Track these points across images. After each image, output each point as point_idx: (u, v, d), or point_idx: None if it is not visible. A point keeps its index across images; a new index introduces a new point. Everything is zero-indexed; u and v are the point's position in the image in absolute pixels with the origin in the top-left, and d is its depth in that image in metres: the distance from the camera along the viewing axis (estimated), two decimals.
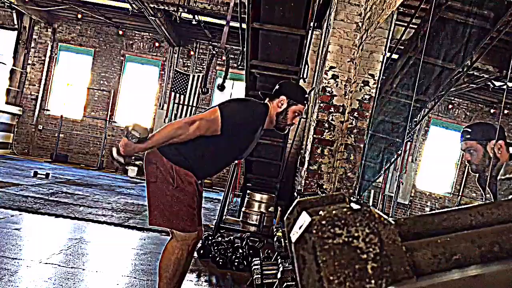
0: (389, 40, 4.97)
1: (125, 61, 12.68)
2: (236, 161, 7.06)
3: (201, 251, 4.21)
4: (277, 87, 2.48)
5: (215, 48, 11.86)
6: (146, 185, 2.31)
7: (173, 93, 11.93)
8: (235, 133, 2.27)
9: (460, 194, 12.37)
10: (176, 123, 2.19)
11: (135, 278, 3.29)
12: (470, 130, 2.29)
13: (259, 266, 2.46)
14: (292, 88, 2.50)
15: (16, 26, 12.40)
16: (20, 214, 4.75)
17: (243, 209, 5.79)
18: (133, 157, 2.21)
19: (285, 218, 0.73)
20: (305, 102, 2.46)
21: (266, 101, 2.47)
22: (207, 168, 2.38)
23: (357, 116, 4.73)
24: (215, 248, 4.12)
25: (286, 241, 0.79)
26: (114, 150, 2.15)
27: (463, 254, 0.60)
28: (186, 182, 2.24)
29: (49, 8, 11.56)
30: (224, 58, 12.37)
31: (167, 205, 2.23)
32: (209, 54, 12.39)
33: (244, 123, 2.29)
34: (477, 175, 2.41)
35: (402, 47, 6.83)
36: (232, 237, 4.36)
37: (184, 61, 12.56)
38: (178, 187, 2.22)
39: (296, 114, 2.43)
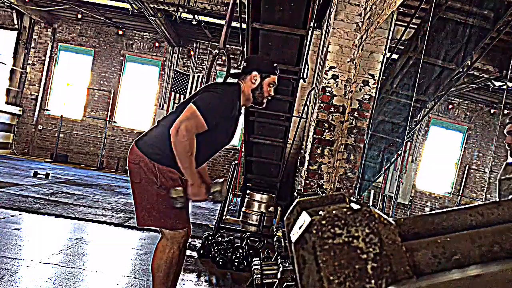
0: (389, 40, 4.97)
1: (125, 61, 12.68)
2: (237, 157, 7.06)
3: (201, 251, 4.21)
4: (244, 64, 2.46)
5: (215, 49, 11.86)
6: (130, 186, 2.29)
7: (173, 93, 11.93)
8: (218, 123, 2.25)
9: (460, 194, 12.37)
10: (173, 143, 2.13)
11: (135, 278, 3.29)
12: None
13: (259, 266, 2.46)
14: (261, 61, 2.49)
15: (16, 26, 12.40)
16: (20, 214, 4.75)
17: (243, 209, 5.79)
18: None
19: (285, 218, 0.73)
20: (276, 71, 2.45)
21: (237, 81, 2.46)
22: (198, 159, 2.36)
23: (357, 116, 4.73)
24: (215, 248, 4.12)
25: (286, 241, 0.79)
26: (180, 191, 2.24)
27: (463, 254, 0.60)
28: (170, 179, 2.23)
29: (49, 8, 11.56)
30: (224, 58, 12.38)
31: (153, 204, 2.23)
32: (209, 54, 12.39)
33: (223, 110, 2.27)
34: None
35: (402, 47, 6.83)
36: (232, 237, 4.36)
37: (184, 61, 12.56)
38: (162, 185, 2.21)
39: (271, 85, 2.44)
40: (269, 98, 2.48)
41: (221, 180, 2.38)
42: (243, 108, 2.53)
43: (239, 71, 2.48)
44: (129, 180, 2.31)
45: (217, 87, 2.41)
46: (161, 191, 2.22)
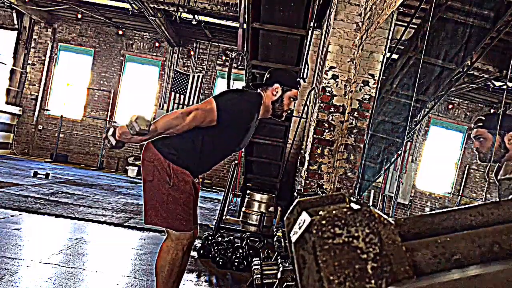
0: (389, 40, 4.97)
1: (125, 61, 12.68)
2: (237, 157, 7.06)
3: (201, 251, 4.21)
4: (267, 75, 2.48)
5: (233, 52, 11.87)
6: (142, 183, 2.30)
7: (173, 93, 11.93)
8: (231, 124, 2.27)
9: (460, 194, 12.37)
10: (172, 113, 2.17)
11: (135, 278, 3.29)
12: (483, 118, 2.31)
13: (259, 266, 2.46)
14: (283, 74, 2.51)
15: (16, 26, 12.40)
16: (20, 214, 4.75)
17: (243, 209, 5.79)
18: (124, 144, 2.19)
19: (285, 218, 0.73)
20: (298, 86, 2.49)
21: (259, 91, 2.47)
22: (205, 164, 2.38)
23: (357, 116, 4.73)
24: (215, 248, 4.12)
25: (286, 241, 0.79)
26: (111, 130, 2.13)
27: (463, 254, 0.60)
28: (182, 181, 2.24)
29: (49, 8, 11.56)
30: (224, 58, 12.38)
31: (163, 204, 2.23)
32: (209, 54, 12.38)
33: (239, 113, 2.29)
34: (495, 168, 2.41)
35: (402, 47, 6.83)
36: (232, 237, 4.36)
37: (184, 61, 12.56)
38: (174, 185, 2.22)
39: (291, 99, 2.46)
40: (288, 112, 2.50)
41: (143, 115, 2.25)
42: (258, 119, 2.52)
43: (261, 82, 2.50)
44: (142, 178, 2.31)
45: (241, 92, 2.44)
46: (172, 191, 2.22)
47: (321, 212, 0.63)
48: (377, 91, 4.94)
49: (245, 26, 4.97)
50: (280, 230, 2.64)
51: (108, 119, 12.42)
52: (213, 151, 2.33)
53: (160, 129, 2.13)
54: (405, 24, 6.61)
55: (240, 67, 9.72)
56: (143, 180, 2.30)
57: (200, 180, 2.60)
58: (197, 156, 2.29)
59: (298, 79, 2.53)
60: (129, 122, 2.06)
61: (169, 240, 2.28)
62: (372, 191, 10.86)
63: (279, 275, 2.07)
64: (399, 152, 7.63)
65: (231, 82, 4.37)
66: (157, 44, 12.50)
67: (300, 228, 0.65)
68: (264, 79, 2.48)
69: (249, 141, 6.39)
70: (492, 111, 12.26)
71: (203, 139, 2.27)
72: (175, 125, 2.14)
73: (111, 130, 2.13)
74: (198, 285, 3.46)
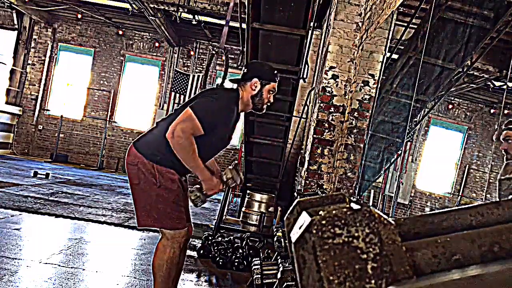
0: (389, 40, 4.97)
1: (125, 61, 12.68)
2: (237, 157, 7.06)
3: (201, 251, 4.21)
4: (245, 70, 2.48)
5: (215, 48, 11.85)
6: (130, 187, 2.30)
7: (173, 93, 11.93)
8: (215, 128, 2.27)
9: (460, 194, 12.37)
10: (173, 146, 2.15)
11: (135, 278, 3.29)
12: None
13: (259, 266, 2.46)
14: (261, 68, 2.50)
15: (16, 26, 12.40)
16: (20, 214, 4.75)
17: (243, 209, 5.79)
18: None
19: (285, 218, 0.73)
20: (276, 78, 2.48)
21: (236, 87, 2.47)
22: None
23: (357, 116, 4.73)
24: (215, 248, 4.12)
25: (286, 241, 0.79)
26: (196, 191, 2.32)
27: (463, 254, 0.60)
28: (169, 180, 2.24)
29: (49, 8, 11.56)
30: (224, 58, 12.37)
31: (153, 205, 2.23)
32: (209, 54, 12.39)
33: (220, 117, 2.29)
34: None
35: (402, 47, 6.83)
36: (232, 237, 4.36)
37: (184, 61, 12.56)
38: (161, 185, 2.22)
39: (271, 92, 2.46)
40: (268, 104, 2.50)
41: (231, 166, 2.42)
42: (242, 113, 2.55)
43: (239, 77, 2.49)
44: (129, 182, 2.31)
45: (215, 92, 2.42)
46: (160, 191, 2.22)
47: (321, 212, 0.63)
48: (377, 91, 4.94)
49: (234, 24, 4.96)
50: (280, 230, 2.64)
51: (108, 119, 12.42)
52: (199, 152, 2.32)
53: (189, 160, 2.19)
54: (405, 24, 6.61)
55: (240, 67, 9.71)
56: (130, 184, 2.30)
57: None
58: None
59: (275, 71, 2.51)
60: (231, 179, 2.34)
61: (164, 240, 2.29)
62: (372, 191, 10.87)
63: (279, 275, 2.07)
64: (399, 152, 7.63)
65: (207, 78, 4.35)
66: (157, 44, 12.50)
67: (300, 228, 0.65)
68: (242, 74, 2.48)
69: (249, 141, 6.38)
70: (492, 111, 12.27)
71: None
72: (184, 148, 2.15)
73: (197, 191, 2.30)
74: (198, 285, 3.46)
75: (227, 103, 2.34)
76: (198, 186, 2.28)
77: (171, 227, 2.26)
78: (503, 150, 2.35)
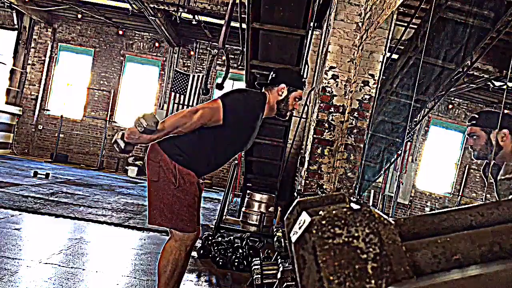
0: (389, 40, 4.96)
1: (125, 61, 12.68)
2: (237, 157, 7.07)
3: (201, 251, 4.21)
4: (273, 75, 2.48)
5: (215, 49, 11.85)
6: (147, 183, 2.30)
7: (173, 93, 11.93)
8: (237, 123, 2.28)
9: (460, 194, 12.37)
10: (179, 112, 2.20)
11: (135, 278, 3.29)
12: (477, 116, 2.32)
13: (259, 266, 2.46)
14: (289, 75, 2.51)
15: (16, 26, 12.40)
16: (20, 214, 4.75)
17: (243, 209, 5.79)
18: (134, 147, 2.19)
19: (285, 218, 0.73)
20: (304, 86, 2.49)
21: (263, 90, 2.48)
22: (210, 164, 2.38)
23: (357, 116, 4.73)
24: (215, 248, 4.12)
25: (286, 241, 0.79)
26: (119, 133, 2.13)
27: (463, 254, 0.60)
28: (188, 182, 2.24)
29: (49, 8, 11.56)
30: (224, 58, 12.37)
31: (167, 204, 2.22)
32: (209, 55, 12.39)
33: (245, 113, 2.30)
34: (483, 165, 2.42)
35: (402, 47, 6.83)
36: (232, 237, 4.36)
37: (184, 61, 12.56)
38: (179, 186, 2.22)
39: (297, 99, 2.46)
40: (293, 111, 2.51)
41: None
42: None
43: (267, 81, 2.50)
44: (146, 178, 2.31)
45: (246, 92, 2.44)
46: (177, 192, 2.22)
47: (321, 212, 0.63)
48: (377, 91, 4.94)
49: (234, 24, 4.96)
50: (280, 230, 2.63)
51: (108, 119, 12.42)
52: (219, 151, 2.33)
53: (168, 127, 2.14)
54: (405, 24, 6.61)
55: (240, 67, 9.72)
56: (147, 180, 2.29)
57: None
58: (203, 157, 2.30)
59: (304, 79, 2.52)
60: (136, 120, 2.06)
61: (172, 241, 2.29)
62: (372, 191, 10.86)
63: (279, 275, 2.07)
64: (399, 152, 7.63)
65: (208, 79, 4.36)
66: (157, 44, 12.51)
67: (300, 228, 0.65)
68: (270, 78, 2.48)
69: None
70: (486, 109, 12.26)
71: (209, 140, 2.28)
72: (183, 123, 2.15)
73: (120, 133, 2.13)
74: (198, 285, 3.46)
75: (255, 105, 2.35)
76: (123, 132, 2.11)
77: (181, 229, 2.26)
78: (469, 147, 2.34)
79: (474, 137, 2.28)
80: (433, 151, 12.60)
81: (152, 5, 9.03)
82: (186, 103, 11.83)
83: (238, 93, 2.37)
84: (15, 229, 4.13)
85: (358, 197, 5.89)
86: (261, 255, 3.72)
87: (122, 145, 2.12)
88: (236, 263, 3.91)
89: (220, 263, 3.93)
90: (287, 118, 2.52)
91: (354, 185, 4.71)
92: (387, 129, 6.84)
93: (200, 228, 2.47)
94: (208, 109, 2.20)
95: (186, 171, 2.23)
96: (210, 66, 5.87)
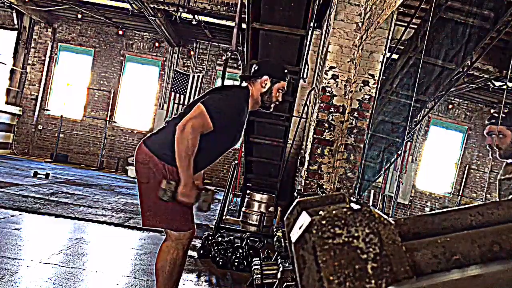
0: (389, 40, 4.97)
1: (125, 61, 12.68)
2: (237, 157, 7.07)
3: (201, 251, 4.21)
4: (256, 67, 2.46)
5: (227, 52, 11.84)
6: (137, 186, 2.28)
7: (173, 93, 11.93)
8: (225, 124, 2.26)
9: (460, 194, 12.37)
10: (176, 142, 2.12)
11: (135, 278, 3.29)
12: (496, 115, 2.28)
13: (259, 266, 2.46)
14: (272, 66, 2.50)
15: (16, 26, 12.40)
16: (20, 214, 4.75)
17: (243, 209, 5.79)
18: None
19: (285, 218, 0.73)
20: (286, 77, 2.47)
21: (245, 84, 2.47)
22: (200, 163, 2.36)
23: (357, 116, 4.73)
24: (215, 248, 4.12)
25: (286, 241, 0.79)
26: (172, 185, 2.15)
27: (463, 254, 0.60)
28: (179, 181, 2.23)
29: (49, 8, 11.56)
30: (224, 58, 12.36)
31: (160, 205, 2.21)
32: (209, 54, 12.39)
33: (229, 110, 2.28)
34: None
35: (402, 47, 6.83)
36: (232, 237, 4.36)
37: (184, 61, 12.56)
38: None
39: (280, 91, 2.45)
40: (277, 103, 2.50)
41: (211, 190, 2.35)
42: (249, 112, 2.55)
43: (249, 74, 2.49)
44: (136, 180, 2.30)
45: (226, 89, 2.42)
46: None
47: (321, 212, 0.63)
48: (377, 91, 4.94)
49: (243, 26, 4.97)
50: (280, 230, 2.63)
51: (108, 119, 12.42)
52: (208, 150, 2.31)
53: (184, 159, 2.11)
54: (405, 24, 6.61)
55: (238, 67, 9.72)
56: (138, 182, 2.28)
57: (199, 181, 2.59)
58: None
59: (286, 70, 2.51)
60: (161, 193, 2.14)
61: (168, 240, 2.28)
62: (372, 191, 10.86)
63: (279, 275, 2.07)
64: (399, 152, 7.63)
65: (225, 82, 4.37)
66: (157, 44, 12.50)
67: (300, 228, 0.65)
68: (252, 71, 2.47)
69: (249, 141, 6.38)
70: (492, 111, 12.26)
71: (198, 141, 2.26)
72: (186, 146, 2.10)
73: (172, 185, 2.15)
74: (198, 285, 3.46)
75: (238, 100, 2.33)
76: (175, 183, 2.15)
77: (177, 228, 2.25)
78: (487, 145, 2.31)
79: (494, 135, 2.23)
80: (433, 151, 12.60)
81: (152, 5, 9.03)
82: (186, 103, 11.83)
83: (220, 93, 2.33)
84: (15, 229, 4.13)
85: (358, 197, 5.89)
86: (261, 255, 3.72)
87: (171, 198, 2.16)
88: (236, 263, 3.91)
89: (220, 263, 3.93)
90: (271, 110, 2.50)
91: (354, 185, 4.71)
92: (387, 129, 6.84)
93: (195, 226, 2.47)
94: (194, 119, 2.13)
95: (176, 170, 2.21)
96: (225, 69, 5.84)
